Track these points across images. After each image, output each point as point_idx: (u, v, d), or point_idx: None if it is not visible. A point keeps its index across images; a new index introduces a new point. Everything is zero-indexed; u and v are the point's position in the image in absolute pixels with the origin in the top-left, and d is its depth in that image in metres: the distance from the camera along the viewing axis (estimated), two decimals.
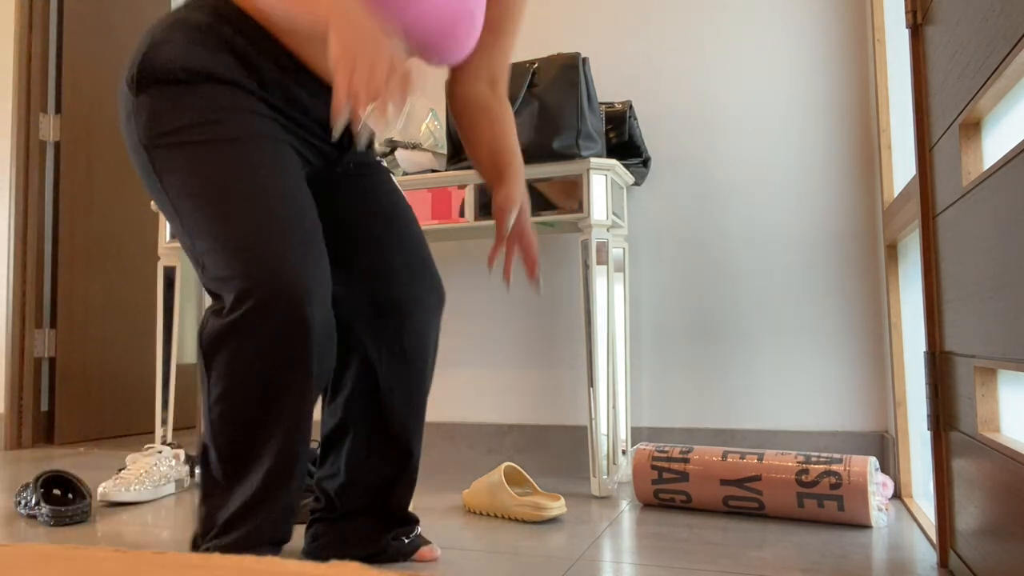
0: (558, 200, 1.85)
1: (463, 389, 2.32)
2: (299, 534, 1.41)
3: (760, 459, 1.58)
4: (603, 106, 2.00)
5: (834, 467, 1.51)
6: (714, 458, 1.62)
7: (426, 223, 1.97)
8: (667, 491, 1.66)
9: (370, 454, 1.23)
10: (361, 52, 0.85)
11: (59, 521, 1.58)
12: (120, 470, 1.92)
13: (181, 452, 1.95)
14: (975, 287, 1.00)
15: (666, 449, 1.69)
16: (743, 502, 1.58)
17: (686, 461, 1.64)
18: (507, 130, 1.25)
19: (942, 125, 1.14)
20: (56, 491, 1.71)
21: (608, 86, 2.11)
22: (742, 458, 1.60)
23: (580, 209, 1.82)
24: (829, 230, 2.00)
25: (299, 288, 0.95)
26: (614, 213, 1.92)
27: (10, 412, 2.84)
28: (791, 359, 2.01)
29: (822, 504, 1.50)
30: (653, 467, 1.67)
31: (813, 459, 1.54)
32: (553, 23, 2.29)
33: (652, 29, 2.20)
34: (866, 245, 1.97)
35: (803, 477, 1.52)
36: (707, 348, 2.09)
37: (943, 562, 1.22)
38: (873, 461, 1.51)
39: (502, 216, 1.16)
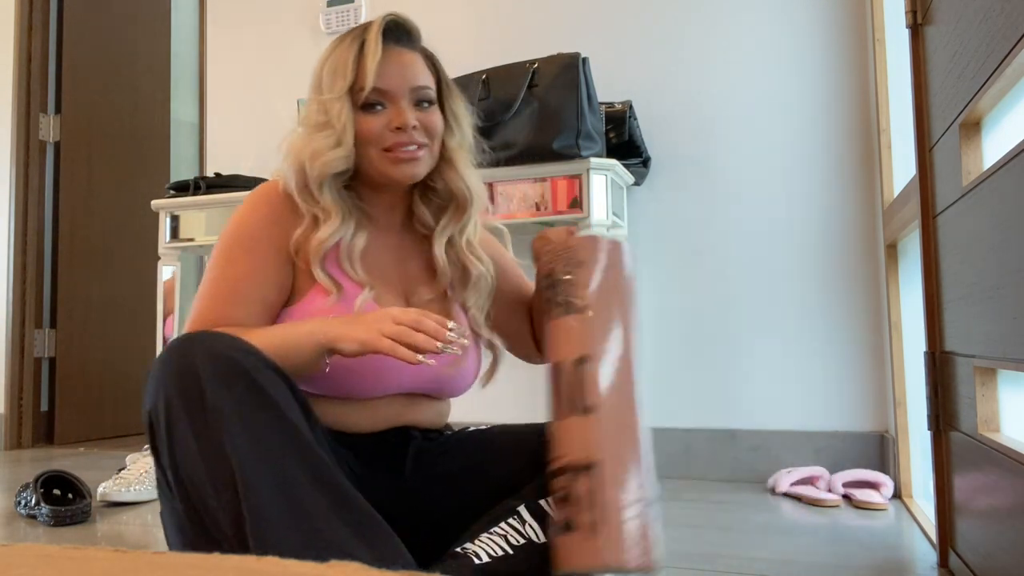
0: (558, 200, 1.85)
1: None
2: None
3: None
4: (603, 106, 1.99)
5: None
6: None
7: None
8: None
9: None
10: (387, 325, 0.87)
11: (59, 521, 1.58)
12: (120, 470, 1.91)
13: None
14: (975, 287, 1.00)
15: None
16: None
17: None
18: None
19: (942, 125, 1.14)
20: (56, 491, 1.71)
21: (608, 86, 2.11)
22: None
23: (580, 209, 1.82)
24: (829, 230, 2.00)
25: None
26: (614, 213, 1.91)
27: (10, 412, 2.84)
28: (791, 359, 2.01)
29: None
30: None
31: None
32: (553, 23, 2.29)
33: (652, 29, 2.19)
34: (866, 245, 1.97)
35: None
36: (707, 348, 2.09)
37: (943, 562, 1.22)
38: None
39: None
